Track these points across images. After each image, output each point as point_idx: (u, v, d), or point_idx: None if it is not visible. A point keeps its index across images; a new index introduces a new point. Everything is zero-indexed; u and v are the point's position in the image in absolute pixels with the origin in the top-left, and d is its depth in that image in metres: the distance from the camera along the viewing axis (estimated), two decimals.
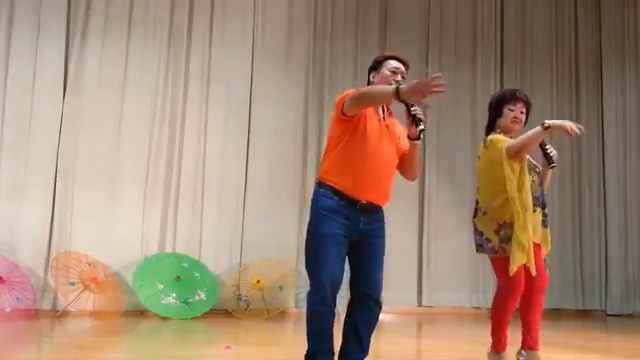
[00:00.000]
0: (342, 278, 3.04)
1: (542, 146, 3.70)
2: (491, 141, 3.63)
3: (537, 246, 3.62)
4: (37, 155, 6.59)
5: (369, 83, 3.27)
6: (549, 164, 3.70)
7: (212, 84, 7.44)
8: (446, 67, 8.71)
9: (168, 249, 7.00)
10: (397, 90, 2.78)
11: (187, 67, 7.36)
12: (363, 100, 2.99)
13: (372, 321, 3.13)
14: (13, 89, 6.60)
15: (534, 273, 3.44)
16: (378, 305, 3.12)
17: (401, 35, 8.54)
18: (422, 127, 3.04)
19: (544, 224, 3.68)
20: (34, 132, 6.61)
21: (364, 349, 3.12)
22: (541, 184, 3.70)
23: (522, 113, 3.69)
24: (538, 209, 3.63)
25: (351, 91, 3.06)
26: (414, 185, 8.30)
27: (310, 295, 3.03)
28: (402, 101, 2.97)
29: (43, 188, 6.57)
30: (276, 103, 7.72)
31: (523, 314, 3.62)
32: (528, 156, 3.67)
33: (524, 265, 3.44)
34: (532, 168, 3.67)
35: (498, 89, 8.82)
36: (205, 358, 4.35)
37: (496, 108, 3.72)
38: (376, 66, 3.25)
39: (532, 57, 9.10)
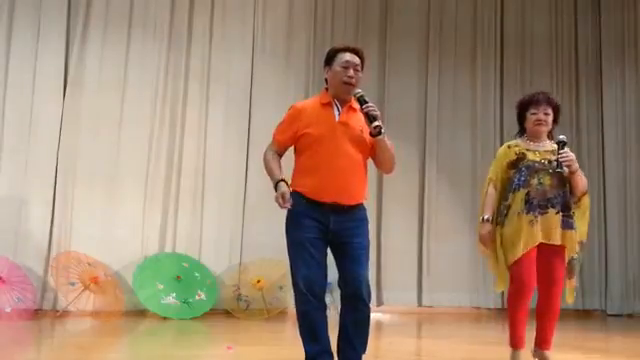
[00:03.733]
0: (321, 278, 3.05)
1: (558, 147, 3.65)
2: (503, 147, 3.86)
3: (551, 248, 3.61)
4: (37, 155, 6.60)
5: (325, 79, 3.24)
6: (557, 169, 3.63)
7: (212, 84, 7.45)
8: (446, 67, 8.73)
9: (168, 249, 7.01)
10: (275, 185, 3.04)
11: (187, 67, 7.36)
12: (266, 170, 3.17)
13: (361, 320, 3.08)
14: (13, 89, 6.60)
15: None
16: (365, 304, 3.07)
17: (401, 35, 8.55)
18: (377, 123, 3.01)
19: (565, 225, 3.64)
20: (34, 132, 6.62)
21: (356, 349, 3.08)
22: (556, 186, 3.63)
23: (546, 114, 3.74)
24: (550, 210, 3.61)
25: (276, 134, 3.22)
26: (414, 185, 8.31)
27: (295, 299, 3.09)
28: (357, 99, 3.09)
29: (43, 188, 6.57)
30: (276, 103, 7.70)
31: (537, 315, 3.73)
32: (538, 158, 3.69)
33: (523, 267, 3.55)
34: (538, 171, 3.64)
35: (498, 90, 8.87)
36: (205, 358, 4.35)
37: (519, 114, 3.83)
38: (328, 60, 3.19)
39: (532, 57, 9.10)
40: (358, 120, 3.12)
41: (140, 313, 6.56)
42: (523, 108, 3.79)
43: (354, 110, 3.15)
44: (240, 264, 7.23)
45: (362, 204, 3.16)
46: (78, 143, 6.78)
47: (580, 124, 9.14)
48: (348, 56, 3.13)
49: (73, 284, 6.31)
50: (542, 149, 3.73)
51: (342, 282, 3.10)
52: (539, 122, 3.71)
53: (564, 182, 3.67)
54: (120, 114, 6.99)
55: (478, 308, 8.30)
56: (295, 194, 3.07)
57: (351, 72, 3.11)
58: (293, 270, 3.07)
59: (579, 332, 6.60)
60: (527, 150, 3.72)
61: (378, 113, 3.05)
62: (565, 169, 3.59)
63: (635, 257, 8.51)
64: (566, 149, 3.63)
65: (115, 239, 6.72)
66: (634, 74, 8.82)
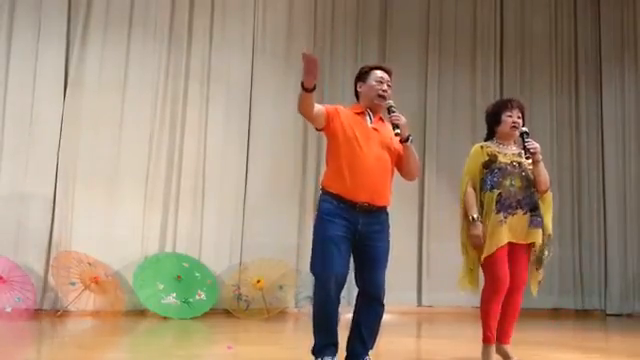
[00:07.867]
0: (345, 274, 3.24)
1: (522, 138, 3.81)
2: (476, 147, 3.95)
3: (519, 247, 3.77)
4: (38, 155, 6.60)
5: (356, 93, 3.53)
6: (526, 156, 3.79)
7: (212, 84, 7.45)
8: (446, 67, 8.74)
9: (168, 249, 7.01)
10: (302, 84, 3.12)
11: (187, 67, 7.37)
12: (300, 110, 3.26)
13: (374, 319, 3.34)
14: (14, 89, 6.60)
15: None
16: (380, 304, 3.33)
17: (401, 35, 8.56)
18: (397, 131, 3.30)
19: (533, 224, 3.77)
20: (35, 132, 6.62)
21: (366, 345, 3.33)
22: (525, 187, 3.77)
23: (519, 118, 3.90)
24: (519, 211, 3.73)
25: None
26: (414, 185, 8.30)
27: (315, 292, 3.26)
28: (387, 108, 3.38)
29: (44, 188, 6.58)
30: (276, 103, 7.72)
31: (502, 310, 3.85)
32: (509, 161, 3.81)
33: (498, 264, 3.69)
34: (510, 173, 3.77)
35: (498, 89, 8.87)
36: (205, 358, 4.36)
37: (493, 116, 3.95)
38: (361, 76, 3.51)
39: (532, 57, 9.11)
40: (387, 129, 3.42)
41: (140, 313, 6.57)
42: (499, 111, 3.93)
43: (383, 120, 3.48)
44: (240, 264, 7.24)
45: (386, 208, 3.41)
46: (78, 143, 6.79)
47: (579, 123, 9.15)
48: (381, 73, 3.47)
49: (73, 284, 6.32)
50: (510, 152, 3.88)
51: (361, 282, 3.34)
52: (515, 125, 3.86)
53: (531, 183, 3.82)
54: (120, 114, 6.99)
55: (478, 308, 8.28)
56: (327, 195, 3.31)
57: (385, 86, 3.44)
58: (320, 265, 3.22)
59: (578, 332, 6.62)
60: (498, 152, 3.86)
61: (401, 122, 3.30)
62: (539, 157, 3.73)
63: (635, 257, 8.52)
64: (530, 139, 3.78)
65: (115, 239, 6.73)
66: (633, 73, 8.83)
